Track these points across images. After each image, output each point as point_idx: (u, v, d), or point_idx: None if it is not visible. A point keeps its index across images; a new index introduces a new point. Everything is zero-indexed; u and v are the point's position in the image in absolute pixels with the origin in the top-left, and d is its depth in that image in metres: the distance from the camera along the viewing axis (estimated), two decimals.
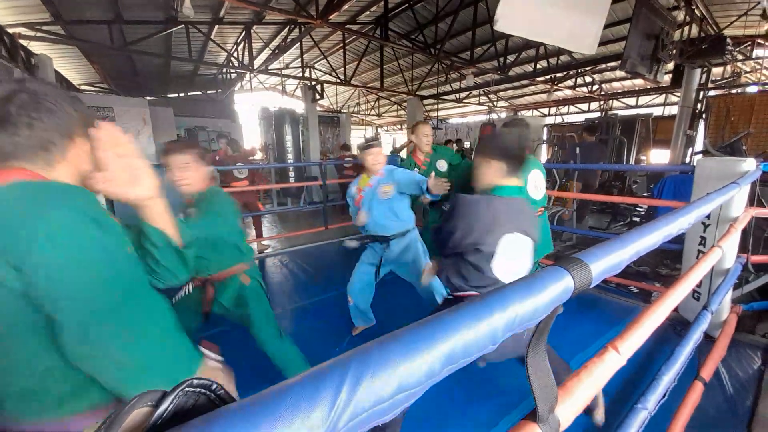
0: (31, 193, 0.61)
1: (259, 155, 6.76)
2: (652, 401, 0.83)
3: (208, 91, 11.30)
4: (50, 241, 0.57)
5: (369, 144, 2.13)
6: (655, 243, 0.58)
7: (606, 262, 0.46)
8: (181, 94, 11.17)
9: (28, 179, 0.63)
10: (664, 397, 0.89)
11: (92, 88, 9.56)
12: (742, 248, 2.10)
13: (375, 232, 2.14)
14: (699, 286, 2.23)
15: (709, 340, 1.92)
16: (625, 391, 1.69)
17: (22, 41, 4.82)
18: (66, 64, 7.62)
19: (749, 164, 1.99)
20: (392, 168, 2.15)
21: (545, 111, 13.39)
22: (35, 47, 5.36)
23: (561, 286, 0.39)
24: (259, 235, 4.47)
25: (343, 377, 0.24)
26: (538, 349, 0.44)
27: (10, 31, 4.67)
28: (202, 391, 0.34)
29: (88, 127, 0.70)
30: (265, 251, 4.33)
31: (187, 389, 0.32)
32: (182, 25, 6.15)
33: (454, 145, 8.91)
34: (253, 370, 1.73)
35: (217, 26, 6.83)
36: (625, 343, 0.61)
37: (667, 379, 0.92)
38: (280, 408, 0.21)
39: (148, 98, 8.04)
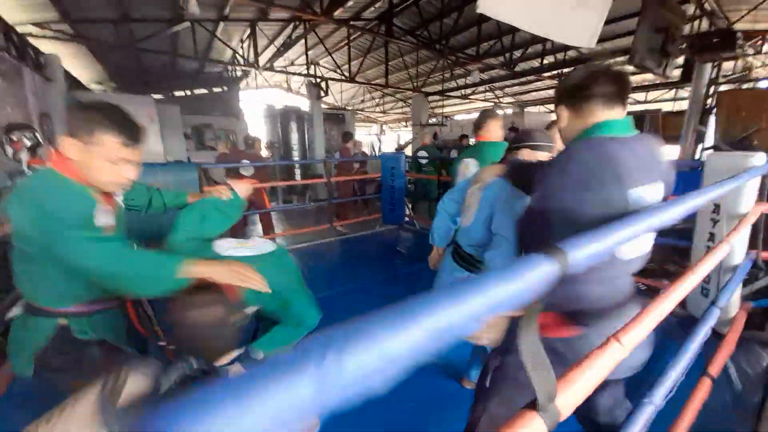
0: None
1: (264, 153, 6.79)
2: (659, 396, 0.83)
3: (214, 89, 11.36)
4: None
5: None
6: (637, 233, 0.58)
7: (587, 249, 0.47)
8: (188, 92, 11.25)
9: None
10: (671, 392, 0.89)
11: (101, 87, 9.65)
12: (753, 244, 2.07)
13: None
14: (708, 282, 2.21)
15: (717, 336, 1.90)
16: (633, 386, 1.68)
17: (30, 40, 4.88)
18: (74, 62, 7.70)
19: (759, 159, 1.96)
20: None
21: (552, 107, 13.26)
22: (44, 46, 5.43)
23: (542, 272, 0.40)
24: (267, 231, 4.50)
25: (326, 348, 0.25)
26: (529, 339, 0.44)
27: (20, 29, 4.73)
28: (197, 367, 0.35)
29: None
30: None
31: (183, 363, 0.34)
32: (188, 23, 6.18)
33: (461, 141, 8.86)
34: None
35: (222, 23, 6.86)
36: (628, 335, 0.61)
37: (675, 374, 0.92)
38: (269, 380, 0.23)
39: (155, 96, 8.11)
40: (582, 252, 0.47)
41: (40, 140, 3.43)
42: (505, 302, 0.36)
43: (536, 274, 0.40)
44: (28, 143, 3.33)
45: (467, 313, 0.33)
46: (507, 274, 0.38)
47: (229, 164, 4.51)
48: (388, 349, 0.27)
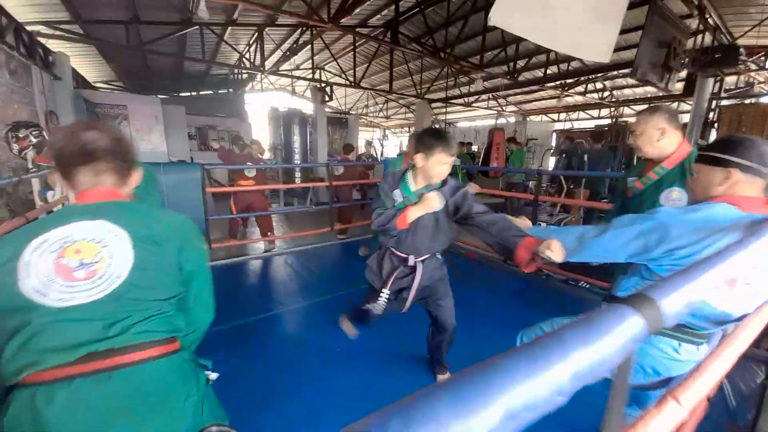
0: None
1: (267, 155, 6.82)
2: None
3: (220, 91, 11.44)
4: None
5: None
6: (733, 274, 0.51)
7: (679, 297, 0.41)
8: (193, 93, 11.32)
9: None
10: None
11: (108, 86, 9.74)
12: None
13: None
14: None
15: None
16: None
17: (40, 39, 4.94)
18: (83, 62, 7.78)
19: None
20: None
21: (554, 116, 13.31)
22: (53, 45, 5.49)
23: (629, 328, 0.34)
24: (265, 233, 4.50)
25: None
26: (613, 416, 0.39)
27: (29, 29, 4.79)
28: None
29: None
30: (271, 250, 4.37)
31: None
32: (197, 27, 6.25)
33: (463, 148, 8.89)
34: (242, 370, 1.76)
35: (230, 28, 6.93)
36: (687, 392, 0.54)
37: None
38: None
39: (160, 96, 8.18)
40: (678, 298, 0.40)
41: (47, 138, 3.47)
42: (593, 366, 0.30)
43: (625, 331, 0.34)
44: (34, 140, 3.37)
45: (549, 385, 0.27)
46: (586, 332, 0.32)
47: (233, 166, 4.54)
48: None
